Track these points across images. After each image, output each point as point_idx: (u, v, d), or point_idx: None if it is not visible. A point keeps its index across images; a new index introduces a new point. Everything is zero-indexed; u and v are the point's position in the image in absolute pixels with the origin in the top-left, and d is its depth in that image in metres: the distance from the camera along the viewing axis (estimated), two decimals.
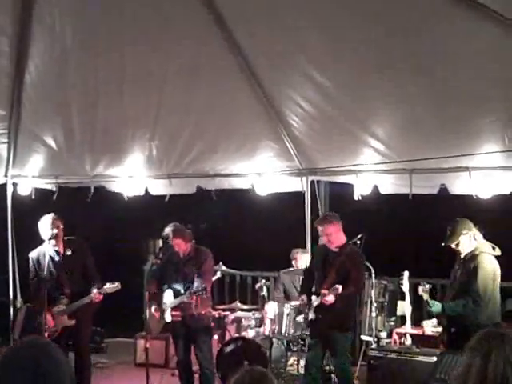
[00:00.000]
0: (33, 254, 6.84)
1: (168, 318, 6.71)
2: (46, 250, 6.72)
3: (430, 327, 6.89)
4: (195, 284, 6.51)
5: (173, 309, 6.70)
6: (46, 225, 6.66)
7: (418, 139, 6.79)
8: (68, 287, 6.67)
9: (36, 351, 2.03)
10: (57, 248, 6.72)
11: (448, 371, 5.02)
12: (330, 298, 6.11)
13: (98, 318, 7.32)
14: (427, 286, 6.12)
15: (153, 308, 6.73)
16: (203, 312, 6.74)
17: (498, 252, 5.89)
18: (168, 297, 6.73)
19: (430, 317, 6.96)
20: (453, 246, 5.97)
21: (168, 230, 6.71)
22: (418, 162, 6.93)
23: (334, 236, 6.37)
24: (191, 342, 6.86)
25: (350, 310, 6.44)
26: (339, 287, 6.02)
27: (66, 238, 6.81)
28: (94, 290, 6.51)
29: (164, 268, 6.83)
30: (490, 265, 5.80)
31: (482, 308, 5.74)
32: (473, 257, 5.88)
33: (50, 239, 6.63)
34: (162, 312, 6.71)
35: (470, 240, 5.93)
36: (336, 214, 6.63)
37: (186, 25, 6.17)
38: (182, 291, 6.65)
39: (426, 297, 6.06)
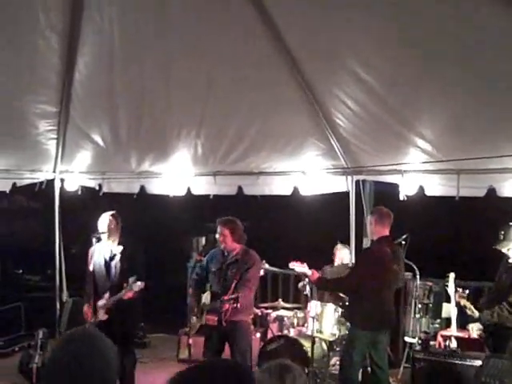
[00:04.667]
0: (92, 248, 6.97)
1: (204, 320, 6.56)
2: (101, 246, 6.86)
3: (476, 330, 6.77)
4: (229, 292, 6.29)
5: (207, 312, 6.53)
6: (102, 222, 6.82)
7: (465, 139, 6.67)
8: (113, 284, 6.79)
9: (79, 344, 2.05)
10: (109, 245, 6.85)
11: (494, 375, 4.93)
12: (298, 269, 6.71)
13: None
14: (465, 291, 6.10)
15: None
16: (238, 319, 6.49)
17: None
18: (206, 298, 6.61)
19: (476, 320, 6.86)
20: (503, 250, 5.90)
21: (219, 219, 6.66)
22: (466, 163, 6.82)
23: (370, 228, 6.54)
24: (223, 349, 6.67)
25: (353, 304, 6.47)
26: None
27: (121, 236, 6.92)
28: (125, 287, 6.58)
29: (207, 266, 6.77)
30: None
31: None
32: None
33: (102, 235, 6.77)
34: (201, 312, 6.58)
35: None
36: (381, 209, 6.66)
37: (232, 24, 6.18)
38: (222, 294, 6.41)
39: (463, 302, 6.02)
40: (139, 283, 6.53)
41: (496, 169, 6.87)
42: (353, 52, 6.13)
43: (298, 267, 6.62)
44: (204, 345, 6.70)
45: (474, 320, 6.50)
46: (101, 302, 6.70)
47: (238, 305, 6.06)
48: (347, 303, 6.70)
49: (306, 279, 7.29)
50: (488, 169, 6.91)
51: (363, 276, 6.13)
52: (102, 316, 6.67)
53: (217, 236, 6.64)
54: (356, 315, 6.23)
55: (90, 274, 6.87)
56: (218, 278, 6.59)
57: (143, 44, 6.60)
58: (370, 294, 6.17)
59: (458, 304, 6.41)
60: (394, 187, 7.64)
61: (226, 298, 6.15)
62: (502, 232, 5.92)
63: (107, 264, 6.86)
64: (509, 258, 5.92)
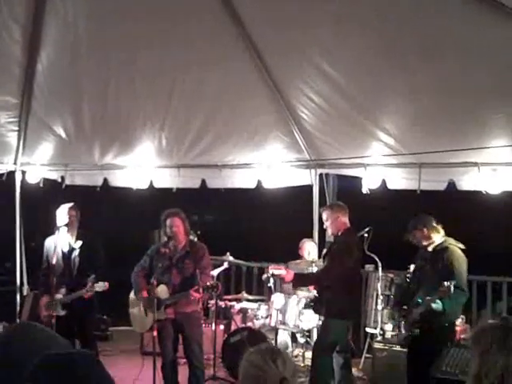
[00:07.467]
0: (47, 241, 6.94)
1: (162, 315, 6.27)
2: (58, 239, 6.79)
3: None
4: (203, 280, 6.17)
5: (167, 306, 6.31)
6: (60, 213, 6.77)
7: (426, 133, 6.82)
8: (69, 278, 6.76)
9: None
10: (68, 238, 6.80)
11: (453, 364, 5.04)
12: (276, 271, 6.54)
13: (103, 306, 7.34)
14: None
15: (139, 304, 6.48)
16: (191, 310, 6.42)
17: (462, 246, 5.93)
18: (163, 293, 6.30)
19: None
20: (409, 238, 6.03)
21: (167, 211, 6.48)
22: (427, 156, 6.97)
23: (330, 222, 6.49)
24: (178, 341, 6.57)
25: (333, 295, 6.27)
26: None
27: (79, 230, 6.89)
28: (87, 286, 6.51)
29: (153, 259, 6.50)
30: (463, 257, 5.84)
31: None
32: (444, 249, 5.85)
33: (60, 227, 6.71)
34: (158, 308, 6.20)
35: (424, 236, 5.97)
36: (341, 203, 6.72)
37: (197, 15, 6.20)
38: (179, 287, 6.31)
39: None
40: (102, 284, 6.48)
41: (455, 163, 7.03)
42: (317, 46, 6.21)
43: (276, 270, 6.62)
44: (160, 341, 6.38)
45: None
46: (57, 297, 6.64)
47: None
48: (317, 296, 6.68)
49: (270, 271, 7.29)
50: (448, 163, 7.07)
51: (345, 266, 6.23)
52: (60, 311, 6.62)
53: (167, 230, 6.42)
54: (335, 306, 6.24)
55: (48, 266, 6.81)
56: (171, 272, 6.39)
57: (107, 35, 6.57)
58: (351, 283, 6.30)
59: None
60: (357, 181, 7.75)
61: (207, 286, 6.08)
62: (410, 223, 6.07)
63: (65, 257, 6.80)
64: (424, 246, 6.05)
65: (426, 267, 5.97)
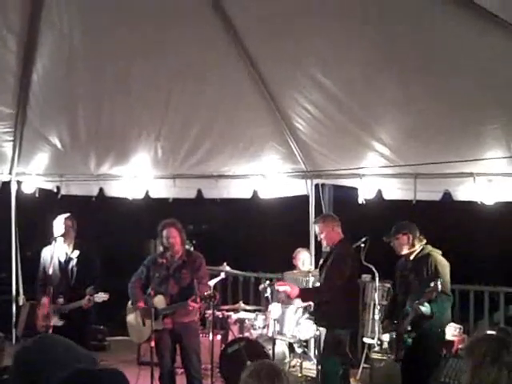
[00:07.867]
0: (44, 251, 6.95)
1: (160, 325, 6.27)
2: (55, 249, 6.79)
3: None
4: (201, 290, 6.17)
5: (165, 316, 6.30)
6: (57, 223, 6.79)
7: (422, 144, 6.83)
8: (67, 288, 6.75)
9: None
10: (65, 248, 6.80)
11: (452, 375, 5.05)
12: (282, 288, 6.43)
13: (100, 316, 7.31)
14: None
15: (136, 314, 6.45)
16: (188, 320, 6.42)
17: (440, 252, 6.04)
18: (161, 303, 6.32)
19: None
20: (391, 241, 6.08)
21: (164, 221, 6.49)
22: (423, 167, 6.97)
23: (325, 235, 6.44)
24: (176, 351, 6.53)
25: (332, 306, 6.18)
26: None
27: (76, 240, 6.91)
28: (86, 297, 6.53)
29: (150, 270, 6.48)
30: (445, 261, 5.93)
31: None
32: (426, 256, 5.97)
33: (57, 238, 6.72)
34: (155, 318, 6.17)
35: (408, 242, 6.05)
36: (332, 214, 6.79)
37: (193, 27, 6.22)
38: (177, 297, 6.31)
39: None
40: (102, 294, 6.52)
41: (451, 173, 7.03)
42: (313, 57, 6.22)
43: (281, 287, 6.58)
44: (158, 352, 6.42)
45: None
46: (55, 307, 6.63)
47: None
48: (315, 306, 6.65)
49: (267, 282, 7.25)
50: (443, 173, 7.07)
51: (343, 276, 6.19)
52: (57, 321, 6.61)
53: (164, 240, 6.41)
54: (335, 317, 6.17)
55: (45, 277, 6.80)
56: (169, 282, 6.39)
57: (102, 45, 6.58)
58: (349, 293, 6.24)
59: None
60: (353, 192, 7.74)
61: (203, 296, 6.08)
62: (394, 226, 6.14)
63: (62, 267, 6.80)
64: (399, 253, 6.11)
65: (410, 277, 6.02)
